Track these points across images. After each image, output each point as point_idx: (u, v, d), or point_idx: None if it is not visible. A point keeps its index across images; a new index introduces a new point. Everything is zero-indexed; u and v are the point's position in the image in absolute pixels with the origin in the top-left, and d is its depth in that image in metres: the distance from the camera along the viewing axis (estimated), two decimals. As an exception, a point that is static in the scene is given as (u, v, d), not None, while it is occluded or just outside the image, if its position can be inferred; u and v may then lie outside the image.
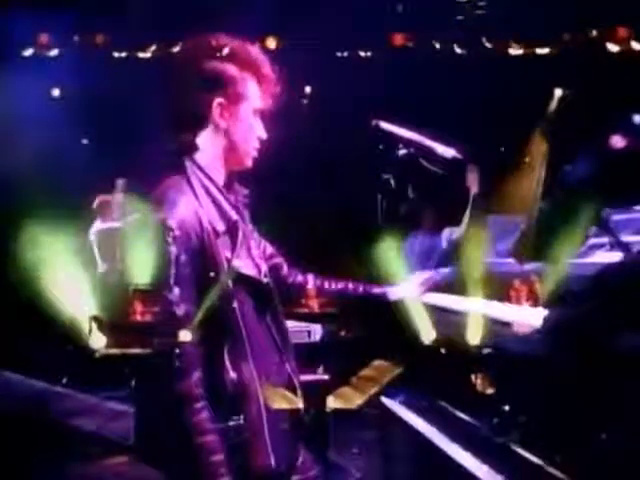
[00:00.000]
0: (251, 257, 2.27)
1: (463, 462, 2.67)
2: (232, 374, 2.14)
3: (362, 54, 9.31)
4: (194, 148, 2.21)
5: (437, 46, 9.25)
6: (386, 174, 2.66)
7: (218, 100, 2.19)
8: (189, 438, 2.04)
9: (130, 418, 5.37)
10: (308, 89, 9.65)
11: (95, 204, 8.80)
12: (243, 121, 2.24)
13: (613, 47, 9.08)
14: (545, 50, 9.28)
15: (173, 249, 2.06)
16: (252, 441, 2.15)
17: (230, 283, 2.15)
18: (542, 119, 9.99)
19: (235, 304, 2.14)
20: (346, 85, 9.36)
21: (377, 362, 3.16)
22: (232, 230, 2.18)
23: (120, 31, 9.04)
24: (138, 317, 9.38)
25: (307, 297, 9.82)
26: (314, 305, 9.29)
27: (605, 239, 2.59)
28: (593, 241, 2.69)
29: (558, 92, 9.55)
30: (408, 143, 2.60)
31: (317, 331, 6.98)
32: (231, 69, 2.18)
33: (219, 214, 2.18)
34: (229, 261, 2.15)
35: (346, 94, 9.33)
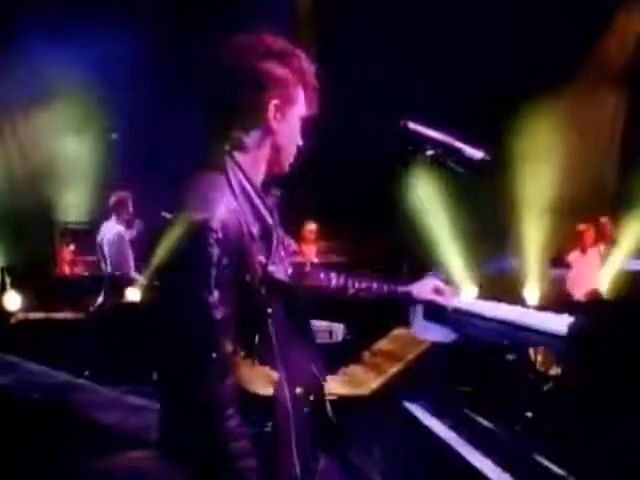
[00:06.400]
0: (282, 261, 2.27)
1: (484, 469, 2.65)
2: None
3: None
4: (241, 147, 2.22)
5: None
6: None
7: (275, 101, 2.20)
8: (219, 444, 2.03)
9: (149, 413, 5.36)
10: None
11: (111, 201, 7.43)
12: (291, 125, 2.27)
13: None
14: None
15: (215, 251, 2.05)
16: (279, 449, 2.15)
17: (264, 288, 2.12)
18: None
19: (269, 310, 2.13)
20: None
21: (398, 331, 3.15)
22: (267, 234, 2.20)
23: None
24: (67, 269, 7.71)
25: (305, 242, 7.87)
26: (311, 252, 7.94)
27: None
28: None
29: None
30: (436, 143, 2.56)
31: (339, 331, 6.83)
32: (284, 72, 2.21)
33: (255, 217, 2.18)
34: (263, 265, 2.15)
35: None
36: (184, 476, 2.10)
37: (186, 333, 2.07)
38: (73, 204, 8.29)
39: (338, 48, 8.12)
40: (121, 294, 7.23)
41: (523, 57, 8.03)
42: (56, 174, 8.15)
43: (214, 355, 2.04)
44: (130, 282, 7.31)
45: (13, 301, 6.90)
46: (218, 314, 2.06)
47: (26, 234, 7.60)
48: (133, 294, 7.27)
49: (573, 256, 7.87)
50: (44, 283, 7.30)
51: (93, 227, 7.89)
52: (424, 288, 2.76)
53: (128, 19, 7.90)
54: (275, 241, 2.22)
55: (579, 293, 7.41)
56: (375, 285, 2.71)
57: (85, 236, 7.99)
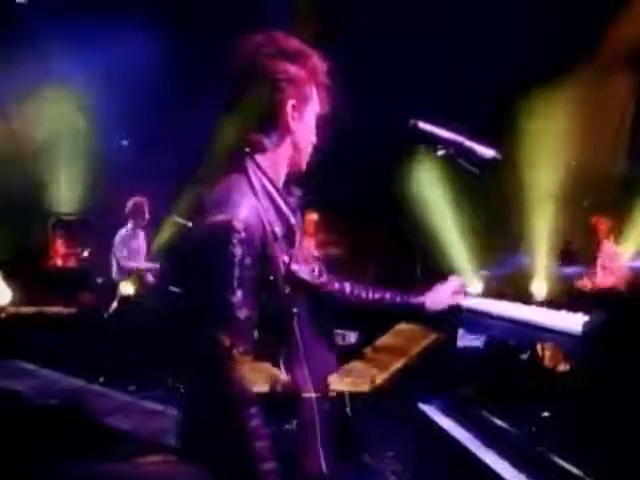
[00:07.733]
0: (305, 260, 2.27)
1: (499, 471, 2.63)
2: (286, 379, 2.14)
3: None
4: (260, 148, 2.23)
5: None
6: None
7: (292, 101, 2.22)
8: (242, 443, 2.02)
9: (164, 417, 5.36)
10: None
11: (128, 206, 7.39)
12: (308, 124, 2.29)
13: None
14: None
15: (238, 251, 2.05)
16: (305, 446, 2.16)
17: (288, 287, 2.14)
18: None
19: (295, 309, 2.12)
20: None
21: (402, 326, 2.90)
22: (290, 233, 2.22)
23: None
24: (59, 262, 7.41)
25: (307, 235, 7.42)
26: (310, 245, 7.55)
27: None
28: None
29: None
30: (447, 143, 2.54)
31: (351, 335, 6.80)
32: (299, 71, 2.23)
33: (278, 216, 2.20)
34: (287, 265, 2.16)
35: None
36: (204, 478, 2.09)
37: (210, 334, 2.04)
38: (67, 195, 8.13)
39: (338, 44, 7.96)
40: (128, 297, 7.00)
41: (529, 45, 7.66)
42: (50, 163, 8.00)
43: (236, 354, 2.02)
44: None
45: (3, 295, 6.54)
46: (241, 314, 2.05)
47: (17, 225, 7.25)
48: (126, 288, 6.98)
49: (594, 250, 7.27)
50: (36, 276, 7.01)
51: (87, 219, 7.77)
52: (440, 295, 2.62)
53: (138, 23, 7.88)
54: (298, 240, 2.23)
55: (596, 286, 6.98)
56: (388, 295, 2.63)
57: (79, 228, 7.83)
